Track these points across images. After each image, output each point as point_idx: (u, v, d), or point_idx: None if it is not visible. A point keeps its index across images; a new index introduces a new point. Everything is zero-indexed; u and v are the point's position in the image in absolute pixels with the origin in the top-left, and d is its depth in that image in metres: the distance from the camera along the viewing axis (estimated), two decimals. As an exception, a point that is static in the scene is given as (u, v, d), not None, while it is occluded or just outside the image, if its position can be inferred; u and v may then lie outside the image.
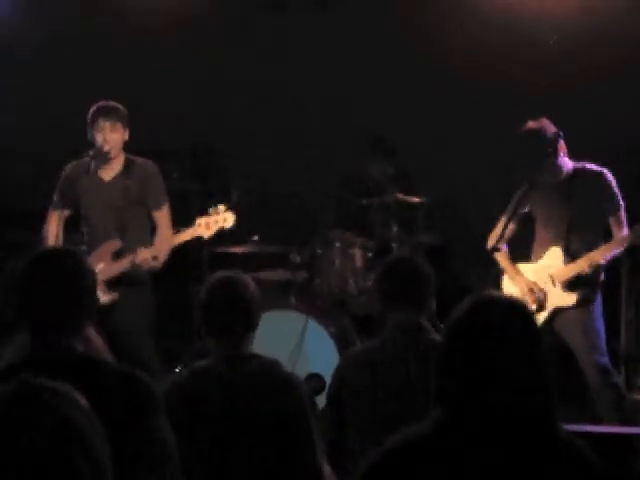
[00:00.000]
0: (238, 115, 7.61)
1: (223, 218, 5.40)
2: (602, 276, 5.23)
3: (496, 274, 5.48)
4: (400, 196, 6.70)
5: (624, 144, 6.75)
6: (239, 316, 3.43)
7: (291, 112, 7.51)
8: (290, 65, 7.58)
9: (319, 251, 6.52)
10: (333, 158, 7.40)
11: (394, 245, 6.68)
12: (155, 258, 5.34)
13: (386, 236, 6.73)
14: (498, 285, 5.47)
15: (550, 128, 5.15)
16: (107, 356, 3.34)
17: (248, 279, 3.55)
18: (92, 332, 2.86)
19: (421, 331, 3.74)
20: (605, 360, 5.16)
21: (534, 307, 5.22)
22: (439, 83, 7.28)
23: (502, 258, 5.40)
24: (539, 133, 5.12)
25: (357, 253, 6.54)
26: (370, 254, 6.57)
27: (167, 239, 5.41)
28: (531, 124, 5.16)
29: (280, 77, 7.56)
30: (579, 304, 5.16)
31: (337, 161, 7.38)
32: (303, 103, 7.53)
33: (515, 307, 2.22)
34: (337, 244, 6.52)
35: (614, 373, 5.24)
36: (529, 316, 2.24)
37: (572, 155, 5.27)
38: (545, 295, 5.22)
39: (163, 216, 5.52)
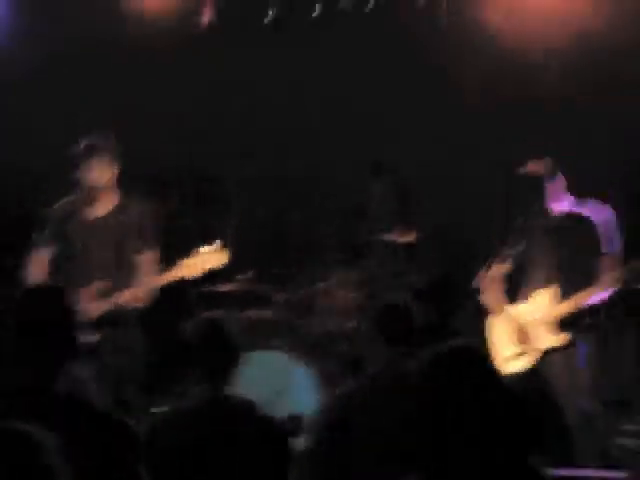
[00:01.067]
0: (237, 142, 7.63)
1: (213, 258, 5.26)
2: (589, 319, 5.25)
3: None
4: (394, 236, 6.73)
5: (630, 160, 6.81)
6: (220, 358, 3.46)
7: (292, 141, 7.54)
8: (292, 93, 7.60)
9: (303, 291, 6.54)
10: (332, 184, 7.43)
11: (383, 284, 6.70)
12: (138, 299, 5.30)
13: (376, 275, 6.75)
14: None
15: (548, 169, 5.19)
16: (91, 395, 3.35)
17: (230, 320, 3.57)
18: (77, 371, 2.88)
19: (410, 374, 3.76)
20: (588, 404, 5.16)
21: (517, 350, 5.23)
22: (441, 101, 7.29)
23: (491, 297, 5.43)
24: (537, 176, 5.17)
25: (341, 293, 6.56)
26: (354, 295, 6.58)
27: (149, 282, 5.35)
28: (530, 166, 5.21)
29: (283, 105, 7.57)
30: (565, 346, 5.18)
31: (337, 190, 7.41)
32: (305, 132, 7.55)
33: (470, 355, 2.29)
34: (321, 284, 6.54)
35: (597, 417, 5.22)
36: (483, 364, 2.29)
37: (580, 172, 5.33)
38: (529, 338, 5.24)
39: (149, 261, 5.42)
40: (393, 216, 6.90)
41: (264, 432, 3.38)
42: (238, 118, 7.63)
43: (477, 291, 5.48)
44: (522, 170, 5.23)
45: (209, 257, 5.26)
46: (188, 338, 3.51)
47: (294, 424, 5.53)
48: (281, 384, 5.87)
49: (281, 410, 5.42)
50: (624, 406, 6.34)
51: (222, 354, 3.46)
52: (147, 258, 5.41)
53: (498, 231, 5.64)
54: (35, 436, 1.72)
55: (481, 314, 5.55)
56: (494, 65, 7.22)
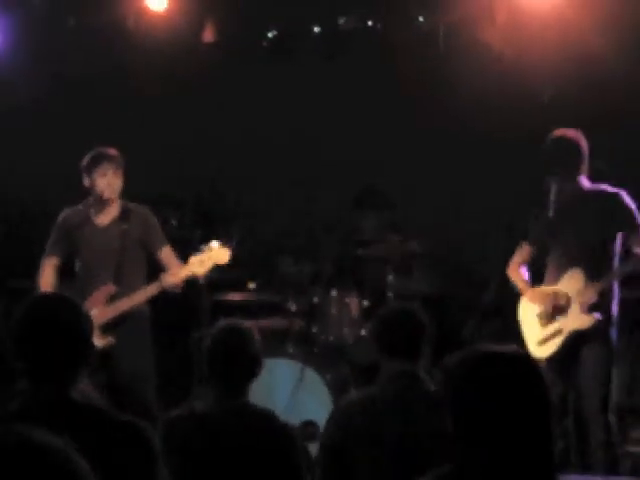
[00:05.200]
0: (239, 163, 7.67)
1: (217, 254, 5.29)
2: (614, 304, 5.12)
3: (495, 326, 5.43)
4: (395, 243, 6.73)
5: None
6: (242, 365, 3.45)
7: (293, 161, 7.57)
8: (292, 114, 7.64)
9: (316, 300, 6.54)
10: (331, 208, 7.45)
11: (389, 294, 6.70)
12: (174, 287, 5.31)
13: (381, 285, 6.75)
14: (495, 335, 5.44)
15: (582, 142, 5.13)
16: (96, 402, 3.34)
17: (252, 329, 3.55)
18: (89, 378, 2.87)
19: (417, 381, 3.71)
20: (607, 394, 5.04)
21: (546, 333, 5.14)
22: (440, 135, 7.31)
23: (518, 279, 5.36)
24: (570, 141, 5.10)
25: (353, 302, 6.56)
26: (366, 303, 6.59)
27: (175, 275, 5.34)
28: (564, 131, 5.14)
29: (282, 126, 7.62)
30: (596, 327, 5.03)
31: (335, 211, 7.43)
32: (304, 152, 7.59)
33: (519, 360, 2.21)
34: (333, 293, 6.54)
35: (612, 414, 5.09)
36: (533, 369, 2.22)
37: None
38: (568, 300, 5.10)
39: (170, 251, 5.49)
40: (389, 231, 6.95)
41: (280, 440, 3.36)
42: (240, 135, 7.67)
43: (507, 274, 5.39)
44: (555, 134, 5.14)
45: (216, 253, 5.28)
46: (210, 344, 3.49)
47: (308, 431, 5.53)
48: (293, 392, 5.86)
49: (293, 418, 5.43)
50: (635, 413, 6.28)
51: (243, 361, 3.45)
52: (169, 253, 5.48)
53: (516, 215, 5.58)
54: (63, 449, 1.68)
55: (491, 325, 5.51)
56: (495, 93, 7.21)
